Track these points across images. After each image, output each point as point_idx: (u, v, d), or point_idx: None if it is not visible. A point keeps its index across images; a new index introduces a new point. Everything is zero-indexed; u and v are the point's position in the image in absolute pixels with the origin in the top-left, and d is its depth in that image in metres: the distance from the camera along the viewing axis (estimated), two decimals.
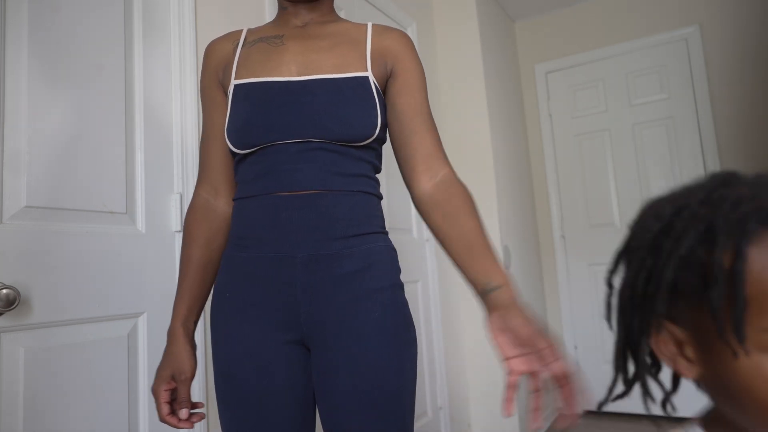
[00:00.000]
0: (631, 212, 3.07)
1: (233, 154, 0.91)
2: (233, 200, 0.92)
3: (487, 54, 2.86)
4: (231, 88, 0.90)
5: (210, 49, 0.98)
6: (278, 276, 0.84)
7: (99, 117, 1.17)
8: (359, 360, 0.82)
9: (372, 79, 0.89)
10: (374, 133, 0.88)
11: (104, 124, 1.17)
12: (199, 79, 1.01)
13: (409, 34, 2.61)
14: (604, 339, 3.11)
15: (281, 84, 0.87)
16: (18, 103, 1.02)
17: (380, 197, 0.93)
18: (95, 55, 1.18)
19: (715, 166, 2.86)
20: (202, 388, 1.30)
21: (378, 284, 0.86)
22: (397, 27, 2.52)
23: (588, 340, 3.16)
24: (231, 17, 1.56)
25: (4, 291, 0.90)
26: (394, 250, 0.93)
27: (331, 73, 0.88)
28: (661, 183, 3.01)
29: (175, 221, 1.30)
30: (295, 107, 0.85)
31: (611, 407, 3.05)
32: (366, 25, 0.97)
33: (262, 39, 0.95)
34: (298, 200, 0.84)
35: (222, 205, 0.96)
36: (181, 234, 1.31)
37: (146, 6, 1.31)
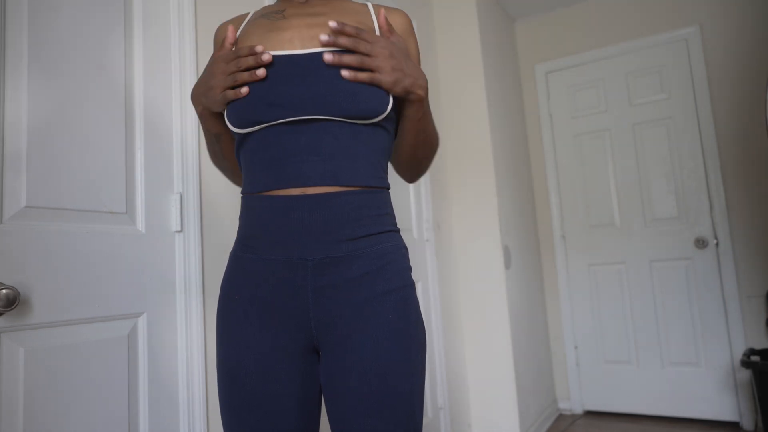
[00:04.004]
0: (631, 212, 3.07)
1: (233, 134, 0.90)
2: (241, 194, 0.92)
3: (487, 54, 2.86)
4: None
5: (216, 33, 1.00)
6: (289, 279, 0.83)
7: (99, 117, 1.17)
8: (372, 362, 0.82)
9: None
10: (386, 109, 0.84)
11: (104, 124, 1.17)
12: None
13: None
14: (604, 339, 3.11)
15: (284, 57, 0.84)
16: (18, 103, 1.02)
17: (388, 188, 0.92)
18: (95, 55, 1.17)
19: (715, 166, 2.86)
20: (201, 388, 1.30)
21: (390, 286, 0.85)
22: None
23: (588, 340, 3.16)
24: (231, 17, 1.56)
25: (4, 291, 0.90)
26: (406, 248, 0.92)
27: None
28: (661, 183, 3.01)
29: (175, 221, 1.30)
30: (301, 80, 0.82)
31: (610, 407, 3.05)
32: (366, 4, 0.97)
33: (263, 15, 0.94)
34: (309, 201, 0.82)
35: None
36: (181, 234, 1.31)
37: (146, 6, 1.31)
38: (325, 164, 0.83)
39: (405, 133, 0.93)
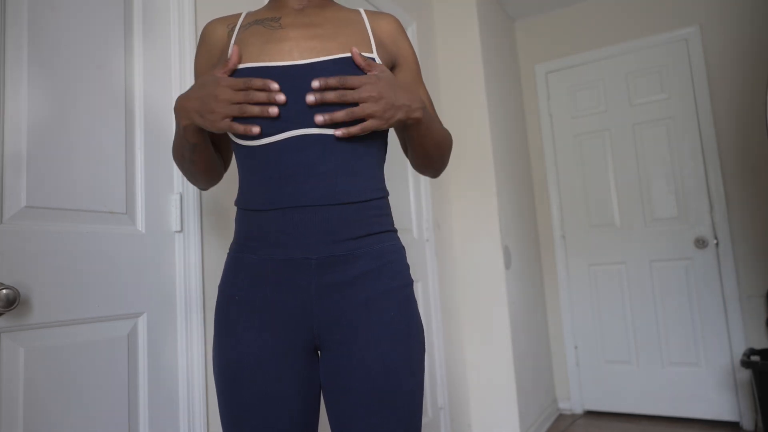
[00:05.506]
0: (631, 212, 3.07)
1: (234, 145, 0.90)
2: (235, 204, 0.92)
3: (487, 54, 2.86)
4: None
5: (205, 32, 0.97)
6: (292, 279, 0.83)
7: (99, 117, 1.17)
8: (375, 362, 0.82)
9: (379, 61, 0.89)
10: None
11: (104, 123, 1.17)
12: (194, 59, 1.02)
13: (409, 34, 2.61)
14: (604, 339, 3.11)
15: (285, 69, 0.84)
16: (18, 103, 1.02)
17: (387, 194, 0.93)
18: (95, 55, 1.17)
19: (715, 166, 2.86)
20: (201, 388, 1.30)
21: (392, 284, 0.86)
22: None
23: (588, 340, 3.16)
24: None
25: (4, 291, 0.90)
26: (404, 248, 0.93)
27: (338, 53, 0.86)
28: (661, 183, 3.01)
29: (175, 221, 1.30)
30: (303, 92, 0.83)
31: (610, 407, 3.05)
32: (359, 10, 0.97)
33: (258, 21, 0.92)
34: (310, 211, 0.83)
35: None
36: (181, 234, 1.31)
37: (146, 6, 1.31)
38: (323, 184, 0.83)
39: (414, 147, 0.96)
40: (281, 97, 0.80)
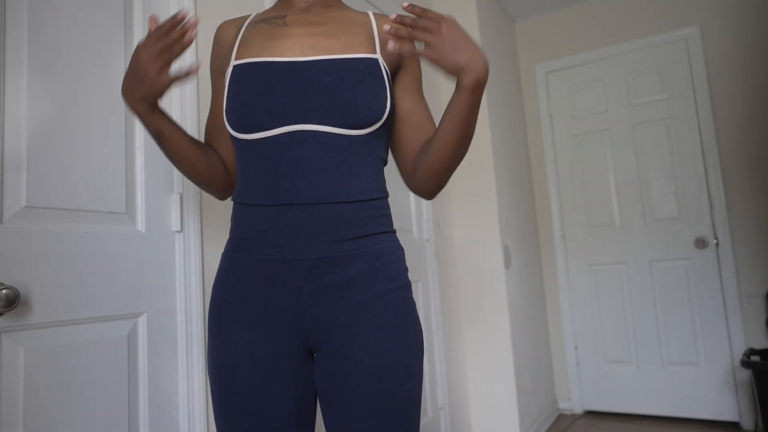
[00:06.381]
0: (631, 212, 3.07)
1: (233, 139, 0.89)
2: (232, 200, 0.91)
3: (487, 54, 2.86)
4: (230, 69, 0.87)
5: (217, 32, 0.99)
6: (285, 280, 0.83)
7: (99, 117, 1.17)
8: (373, 364, 0.81)
9: (382, 62, 0.88)
10: (383, 116, 0.85)
11: (104, 124, 1.17)
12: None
13: None
14: (604, 339, 3.11)
15: (285, 64, 0.84)
16: (18, 103, 1.02)
17: (387, 195, 0.92)
18: (95, 55, 1.17)
19: (715, 166, 2.86)
20: (201, 388, 1.30)
21: (388, 286, 0.85)
22: None
23: (588, 340, 3.16)
24: (231, 17, 1.56)
25: (4, 291, 0.90)
26: (402, 250, 0.92)
27: (339, 53, 0.86)
28: (661, 183, 3.01)
29: (175, 221, 1.30)
30: (301, 88, 0.83)
31: (610, 407, 3.05)
32: (368, 13, 0.98)
33: (263, 20, 0.93)
34: (306, 210, 0.82)
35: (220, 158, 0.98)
36: (181, 234, 1.31)
37: (146, 6, 1.31)
38: (321, 183, 0.82)
39: (448, 130, 0.84)
40: (192, 21, 0.78)
